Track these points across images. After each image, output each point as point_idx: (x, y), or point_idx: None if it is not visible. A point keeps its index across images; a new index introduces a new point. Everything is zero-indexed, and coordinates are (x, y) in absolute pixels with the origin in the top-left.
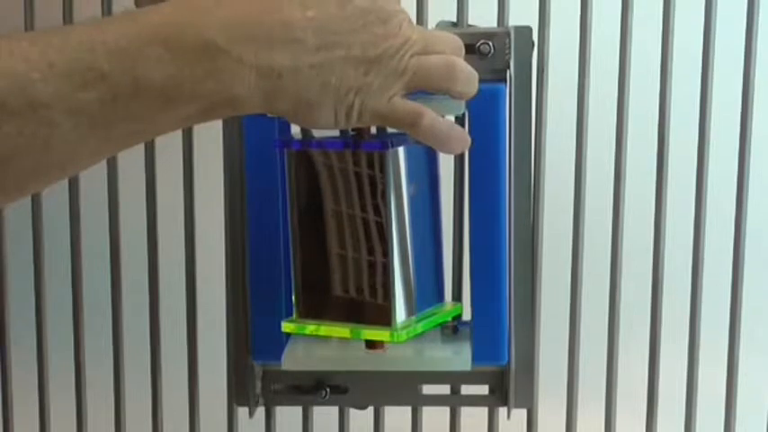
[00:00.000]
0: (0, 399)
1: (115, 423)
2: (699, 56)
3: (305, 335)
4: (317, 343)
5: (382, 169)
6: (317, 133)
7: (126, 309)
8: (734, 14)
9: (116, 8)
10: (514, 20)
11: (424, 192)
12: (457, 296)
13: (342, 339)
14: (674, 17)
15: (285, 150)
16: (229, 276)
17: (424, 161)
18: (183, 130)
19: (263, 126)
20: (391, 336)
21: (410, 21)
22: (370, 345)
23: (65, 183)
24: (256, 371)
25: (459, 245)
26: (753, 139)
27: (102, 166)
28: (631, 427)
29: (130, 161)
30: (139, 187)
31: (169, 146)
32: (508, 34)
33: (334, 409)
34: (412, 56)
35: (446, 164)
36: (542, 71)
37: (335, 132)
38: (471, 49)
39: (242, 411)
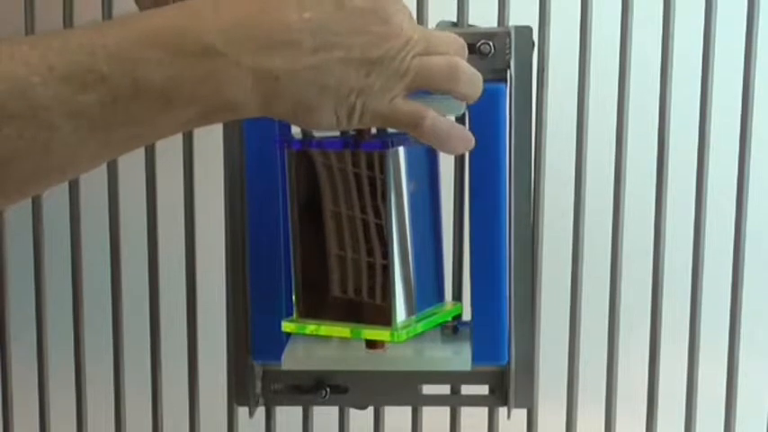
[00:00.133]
0: (0, 396)
1: (115, 422)
2: (699, 56)
3: (305, 334)
4: (317, 343)
5: (382, 169)
6: (317, 133)
7: (126, 308)
8: (734, 15)
9: (116, 8)
10: (514, 20)
11: (425, 191)
12: (457, 296)
13: (342, 339)
14: (674, 17)
15: (285, 150)
16: (229, 276)
17: (425, 161)
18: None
19: (264, 126)
20: (391, 335)
21: (411, 19)
22: (371, 344)
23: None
24: (256, 371)
25: (459, 245)
26: (753, 141)
27: (102, 166)
28: (631, 427)
29: (131, 161)
30: (140, 186)
31: (169, 146)
32: (508, 34)
33: (334, 409)
34: (414, 56)
35: (446, 164)
36: (542, 71)
37: (336, 132)
38: (472, 49)
39: (242, 411)
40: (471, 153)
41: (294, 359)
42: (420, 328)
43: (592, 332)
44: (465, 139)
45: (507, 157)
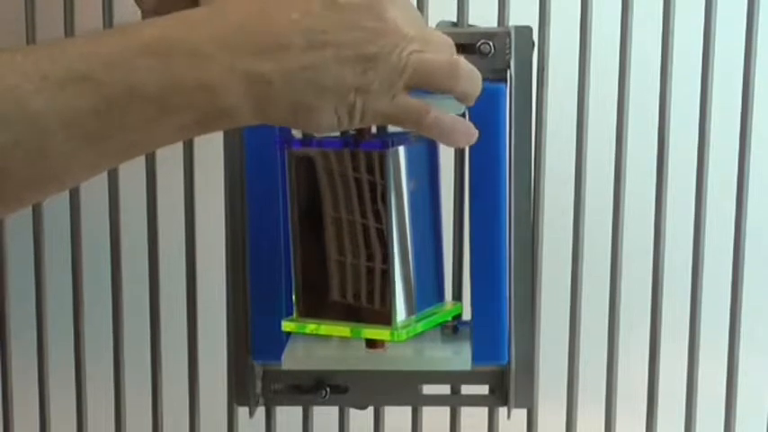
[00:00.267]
0: (0, 394)
1: (115, 422)
2: (699, 55)
3: (305, 334)
4: (317, 342)
5: (382, 169)
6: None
7: (126, 308)
8: (734, 14)
9: (116, 9)
10: (515, 20)
11: (425, 191)
12: (457, 296)
13: (342, 339)
14: (674, 16)
15: (286, 150)
16: (229, 276)
17: (425, 160)
18: None
19: (264, 126)
20: (391, 335)
21: (409, 16)
22: (371, 344)
23: None
24: (256, 371)
25: (459, 245)
26: (753, 139)
27: None
28: (631, 427)
29: (131, 161)
30: (140, 186)
31: (170, 146)
32: (508, 34)
33: (334, 409)
34: (411, 53)
35: (446, 163)
36: (542, 71)
37: (336, 132)
38: (471, 49)
39: (242, 411)
40: (471, 153)
41: (294, 359)
42: (420, 327)
43: (592, 332)
44: (468, 132)
45: (507, 156)
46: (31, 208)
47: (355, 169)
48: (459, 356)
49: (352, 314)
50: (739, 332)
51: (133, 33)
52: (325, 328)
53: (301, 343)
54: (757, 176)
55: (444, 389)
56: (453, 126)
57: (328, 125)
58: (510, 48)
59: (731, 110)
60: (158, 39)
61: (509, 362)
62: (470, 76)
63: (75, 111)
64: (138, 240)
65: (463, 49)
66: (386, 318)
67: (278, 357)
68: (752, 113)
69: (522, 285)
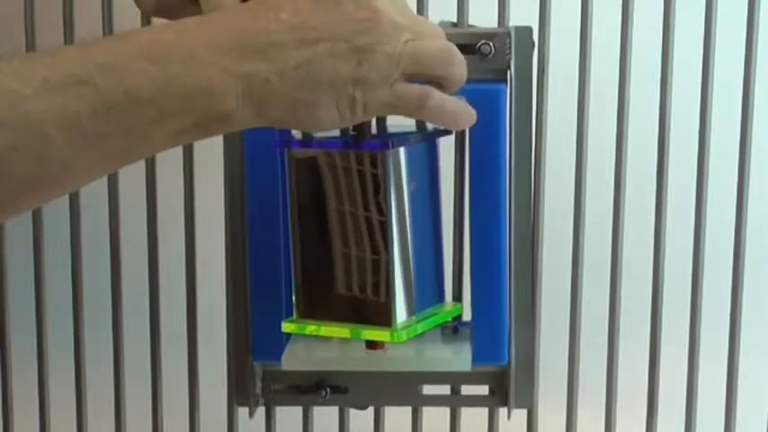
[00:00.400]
0: (0, 398)
1: (115, 423)
2: (700, 57)
3: (305, 335)
4: (317, 343)
5: (383, 170)
6: (317, 134)
7: (126, 309)
8: (735, 15)
9: (116, 9)
10: (515, 20)
11: (425, 192)
12: (457, 296)
13: (342, 340)
14: (674, 18)
15: (285, 150)
16: (229, 276)
17: (425, 161)
18: None
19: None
20: (391, 336)
21: (393, 6)
22: (371, 345)
23: None
24: (256, 371)
25: (459, 245)
26: (753, 140)
27: None
28: (631, 427)
29: None
30: (140, 187)
31: None
32: (509, 34)
33: (334, 409)
34: (406, 42)
35: (446, 164)
36: (542, 71)
37: (336, 132)
38: (471, 50)
39: (242, 411)
40: (471, 153)
41: (294, 359)
42: (420, 328)
43: (592, 332)
44: (469, 113)
45: (507, 157)
46: (31, 211)
47: (356, 170)
48: (459, 357)
49: (353, 315)
50: (739, 333)
51: (130, 39)
52: (326, 329)
53: (301, 343)
54: (757, 177)
55: (444, 389)
56: (456, 109)
57: (330, 121)
58: (510, 48)
59: (732, 113)
60: (154, 44)
61: (509, 362)
62: (462, 63)
63: (74, 114)
64: (138, 241)
65: (463, 49)
66: (386, 319)
67: (278, 358)
68: (752, 115)
69: (522, 286)
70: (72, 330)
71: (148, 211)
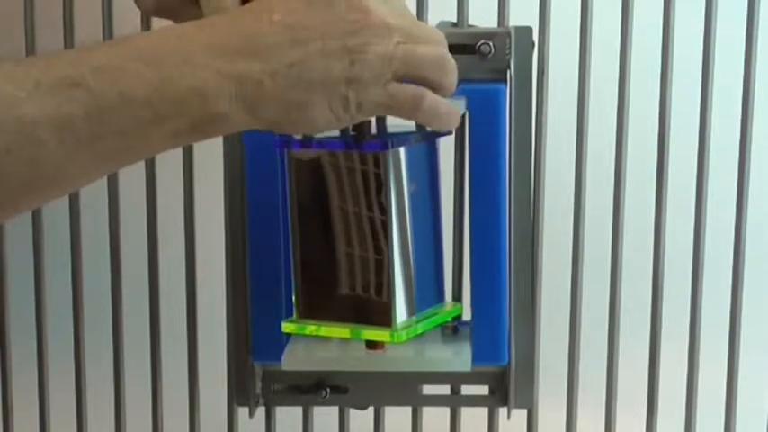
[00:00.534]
0: (0, 399)
1: (115, 423)
2: (699, 56)
3: (305, 335)
4: (317, 343)
5: (383, 170)
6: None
7: (126, 309)
8: (734, 15)
9: (116, 10)
10: (515, 20)
11: (425, 192)
12: (457, 296)
13: (342, 340)
14: (674, 18)
15: (285, 151)
16: (229, 276)
17: (425, 161)
18: None
19: None
20: (391, 336)
21: (387, 9)
22: (371, 345)
23: None
24: (256, 371)
25: (459, 245)
26: (753, 138)
27: None
28: (631, 427)
29: None
30: (139, 187)
31: None
32: (508, 34)
33: (334, 409)
34: (397, 44)
35: (446, 164)
36: (542, 72)
37: (336, 132)
38: (471, 50)
39: (242, 411)
40: (471, 153)
41: (294, 359)
42: (420, 328)
43: (592, 332)
44: (457, 115)
45: (507, 157)
46: (31, 212)
47: (356, 170)
48: (459, 357)
49: (353, 315)
50: (739, 332)
51: (124, 42)
52: (326, 329)
53: (301, 343)
54: (757, 175)
55: (444, 389)
56: (448, 111)
57: (324, 121)
58: (510, 48)
59: (731, 110)
60: (148, 47)
61: (509, 362)
62: (454, 70)
63: (67, 116)
64: (138, 241)
65: (463, 49)
66: (386, 319)
67: (278, 358)
68: (752, 112)
69: (522, 286)
70: (72, 331)
71: (148, 211)
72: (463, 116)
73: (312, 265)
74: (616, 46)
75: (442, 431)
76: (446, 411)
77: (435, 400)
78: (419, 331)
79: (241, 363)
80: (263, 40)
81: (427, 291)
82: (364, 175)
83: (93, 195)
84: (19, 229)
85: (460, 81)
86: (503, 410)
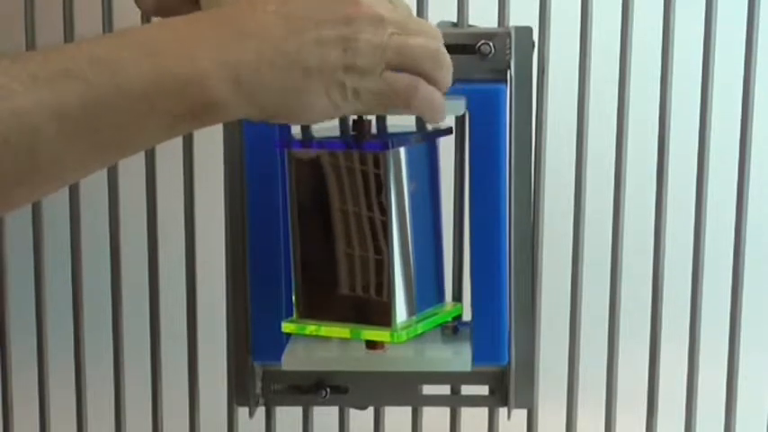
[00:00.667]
0: (0, 397)
1: (115, 423)
2: (700, 55)
3: (305, 335)
4: (317, 343)
5: (383, 170)
6: (317, 134)
7: (126, 309)
8: (735, 14)
9: (116, 10)
10: (515, 20)
11: (425, 192)
12: (457, 296)
13: (342, 340)
14: (674, 18)
15: (285, 151)
16: (229, 276)
17: (425, 161)
18: None
19: (264, 126)
20: (391, 336)
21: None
22: (371, 345)
23: None
24: (256, 371)
25: (459, 245)
26: (753, 140)
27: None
28: (631, 427)
29: (131, 161)
30: (139, 187)
31: (169, 146)
32: (509, 34)
33: (335, 409)
34: (392, 34)
35: (446, 164)
36: (543, 72)
37: (336, 132)
38: (471, 50)
39: (242, 411)
40: (472, 153)
41: (294, 359)
42: (420, 328)
43: (592, 332)
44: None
45: (507, 157)
46: (31, 212)
47: (356, 170)
48: (459, 357)
49: (353, 315)
50: (740, 332)
51: (121, 34)
52: (326, 329)
53: (301, 343)
54: (757, 176)
55: (444, 389)
56: (443, 104)
57: (322, 109)
58: (510, 48)
59: (732, 112)
60: (145, 37)
61: (509, 362)
62: (449, 66)
63: (63, 106)
64: (138, 241)
65: (463, 49)
66: (386, 319)
67: (278, 358)
68: (752, 111)
69: (522, 286)
70: (72, 330)
71: (148, 211)
72: (463, 116)
73: (312, 265)
74: (616, 47)
75: (442, 431)
76: (446, 411)
77: (435, 400)
78: (419, 331)
79: (241, 363)
80: (259, 30)
81: (427, 291)
82: (364, 174)
83: (94, 195)
84: (19, 228)
85: (461, 81)
86: (503, 410)
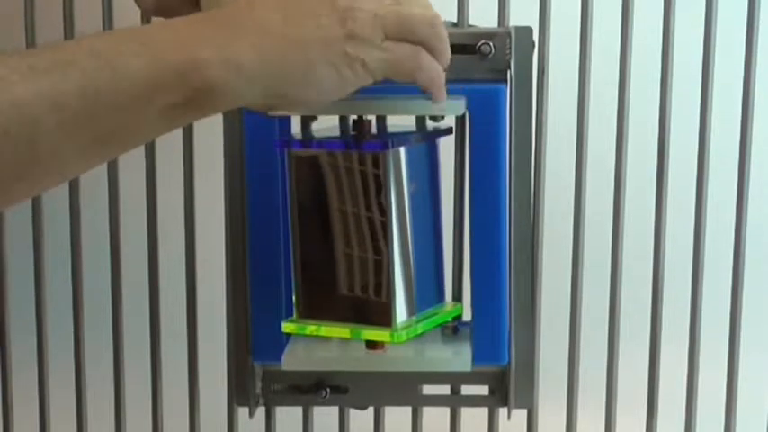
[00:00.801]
0: (0, 399)
1: (115, 423)
2: (700, 56)
3: (305, 335)
4: (317, 343)
5: (383, 170)
6: (317, 134)
7: (126, 309)
8: (735, 15)
9: (116, 9)
10: (515, 20)
11: (425, 192)
12: (457, 296)
13: (342, 340)
14: (674, 18)
15: (286, 150)
16: (229, 276)
17: (425, 161)
18: (184, 129)
19: (264, 125)
20: (391, 336)
21: None
22: (371, 345)
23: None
24: (256, 371)
25: (459, 245)
26: (753, 140)
27: (102, 165)
28: (631, 428)
29: (131, 160)
30: (140, 186)
31: (169, 145)
32: (509, 35)
33: (334, 409)
34: (388, 5)
35: (446, 164)
36: (543, 72)
37: (336, 133)
38: (471, 50)
39: (242, 411)
40: (471, 153)
41: (294, 359)
42: (420, 328)
43: (592, 332)
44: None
45: (507, 157)
46: (31, 211)
47: (356, 170)
48: (459, 357)
49: (353, 315)
50: (739, 333)
51: (119, 32)
52: (326, 329)
53: (301, 343)
54: (757, 177)
55: (444, 389)
56: (442, 76)
57: (331, 82)
58: (510, 48)
59: (732, 112)
60: (143, 31)
61: (509, 362)
62: (445, 37)
63: (62, 95)
64: (138, 241)
65: (463, 49)
66: (386, 319)
67: (278, 358)
68: (752, 115)
69: (522, 286)
70: (72, 330)
71: (148, 210)
72: (463, 116)
73: (312, 265)
74: (616, 48)
75: (442, 431)
76: (446, 411)
77: (435, 400)
78: (419, 331)
79: (241, 363)
80: (259, 28)
81: (427, 291)
82: (364, 174)
83: (94, 195)
84: (19, 227)
85: (461, 81)
86: (503, 411)
